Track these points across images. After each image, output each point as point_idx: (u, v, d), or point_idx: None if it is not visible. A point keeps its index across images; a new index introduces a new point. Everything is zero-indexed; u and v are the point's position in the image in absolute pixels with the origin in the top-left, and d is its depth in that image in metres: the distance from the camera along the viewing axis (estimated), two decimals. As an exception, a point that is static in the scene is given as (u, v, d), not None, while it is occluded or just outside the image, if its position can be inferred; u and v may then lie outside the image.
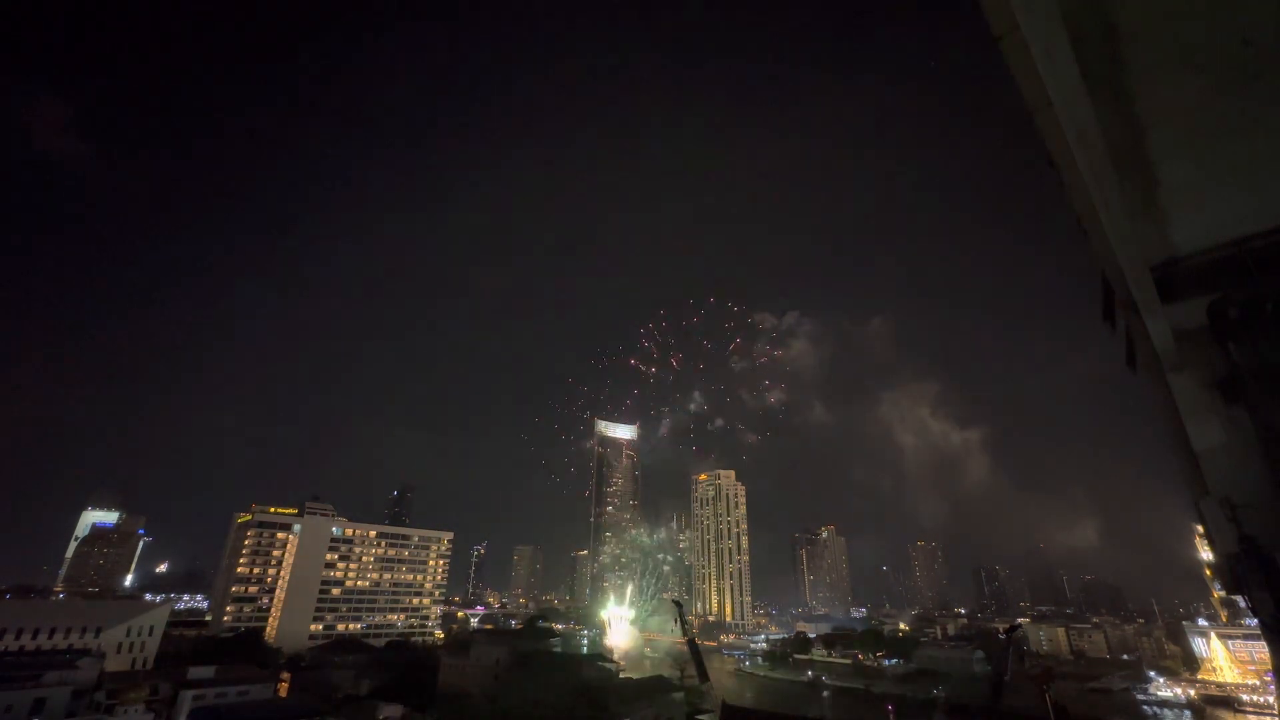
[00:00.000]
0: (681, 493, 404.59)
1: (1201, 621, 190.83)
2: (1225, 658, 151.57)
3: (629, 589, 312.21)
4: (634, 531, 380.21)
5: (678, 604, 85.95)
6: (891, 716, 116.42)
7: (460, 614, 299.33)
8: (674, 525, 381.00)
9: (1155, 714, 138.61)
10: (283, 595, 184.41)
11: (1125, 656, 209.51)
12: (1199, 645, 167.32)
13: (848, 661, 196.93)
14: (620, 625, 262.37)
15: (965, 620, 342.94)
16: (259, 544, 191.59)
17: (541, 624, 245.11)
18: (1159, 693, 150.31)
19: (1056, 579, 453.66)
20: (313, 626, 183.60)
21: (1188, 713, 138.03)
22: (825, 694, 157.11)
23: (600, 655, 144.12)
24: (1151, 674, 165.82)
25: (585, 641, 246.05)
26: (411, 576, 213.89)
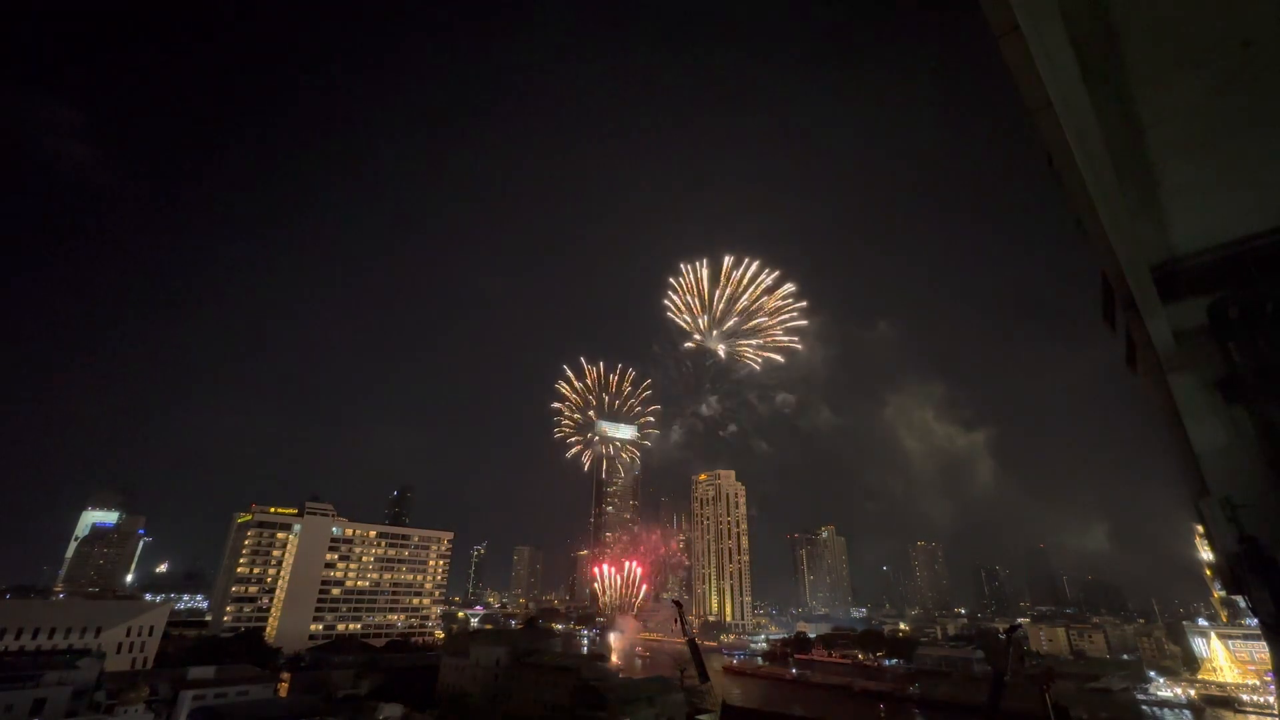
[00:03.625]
0: (682, 492, 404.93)
1: (1201, 621, 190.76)
2: (1225, 658, 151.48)
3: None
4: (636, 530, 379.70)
5: (678, 604, 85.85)
6: (883, 713, 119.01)
7: (460, 614, 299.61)
8: (674, 526, 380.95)
9: (1155, 714, 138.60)
10: (283, 595, 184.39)
11: (1125, 656, 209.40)
12: (1199, 645, 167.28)
13: (848, 662, 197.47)
14: (620, 626, 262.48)
15: (965, 620, 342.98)
16: (259, 544, 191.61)
17: (541, 624, 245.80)
18: (1159, 693, 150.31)
19: (1057, 579, 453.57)
20: (313, 626, 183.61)
21: (1188, 713, 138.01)
22: (808, 691, 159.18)
23: (600, 655, 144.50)
24: (1151, 674, 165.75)
25: (585, 641, 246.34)
26: (411, 576, 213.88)
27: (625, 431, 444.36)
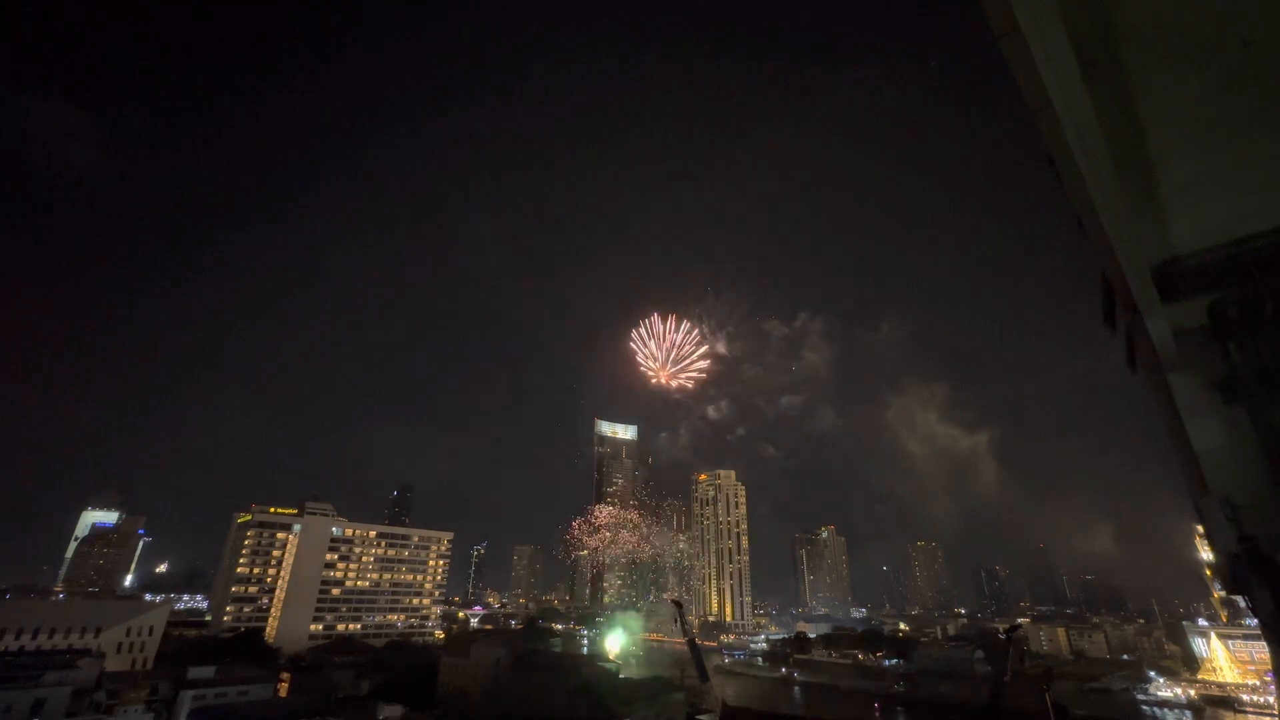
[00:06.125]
0: (683, 492, 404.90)
1: (1201, 621, 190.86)
2: (1225, 658, 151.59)
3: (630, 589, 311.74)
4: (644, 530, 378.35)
5: (678, 604, 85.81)
6: (878, 713, 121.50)
7: (460, 614, 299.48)
8: (675, 526, 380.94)
9: (1155, 714, 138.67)
10: (283, 595, 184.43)
11: (1125, 656, 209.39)
12: (1199, 645, 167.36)
13: (848, 662, 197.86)
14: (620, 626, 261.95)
15: (965, 620, 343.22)
16: (259, 544, 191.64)
17: (541, 624, 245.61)
18: (1159, 693, 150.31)
19: (1057, 579, 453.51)
20: (313, 626, 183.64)
21: (1188, 713, 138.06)
22: (795, 689, 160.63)
23: (600, 655, 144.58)
24: (1151, 674, 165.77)
25: (585, 641, 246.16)
26: (411, 576, 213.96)
27: (624, 431, 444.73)
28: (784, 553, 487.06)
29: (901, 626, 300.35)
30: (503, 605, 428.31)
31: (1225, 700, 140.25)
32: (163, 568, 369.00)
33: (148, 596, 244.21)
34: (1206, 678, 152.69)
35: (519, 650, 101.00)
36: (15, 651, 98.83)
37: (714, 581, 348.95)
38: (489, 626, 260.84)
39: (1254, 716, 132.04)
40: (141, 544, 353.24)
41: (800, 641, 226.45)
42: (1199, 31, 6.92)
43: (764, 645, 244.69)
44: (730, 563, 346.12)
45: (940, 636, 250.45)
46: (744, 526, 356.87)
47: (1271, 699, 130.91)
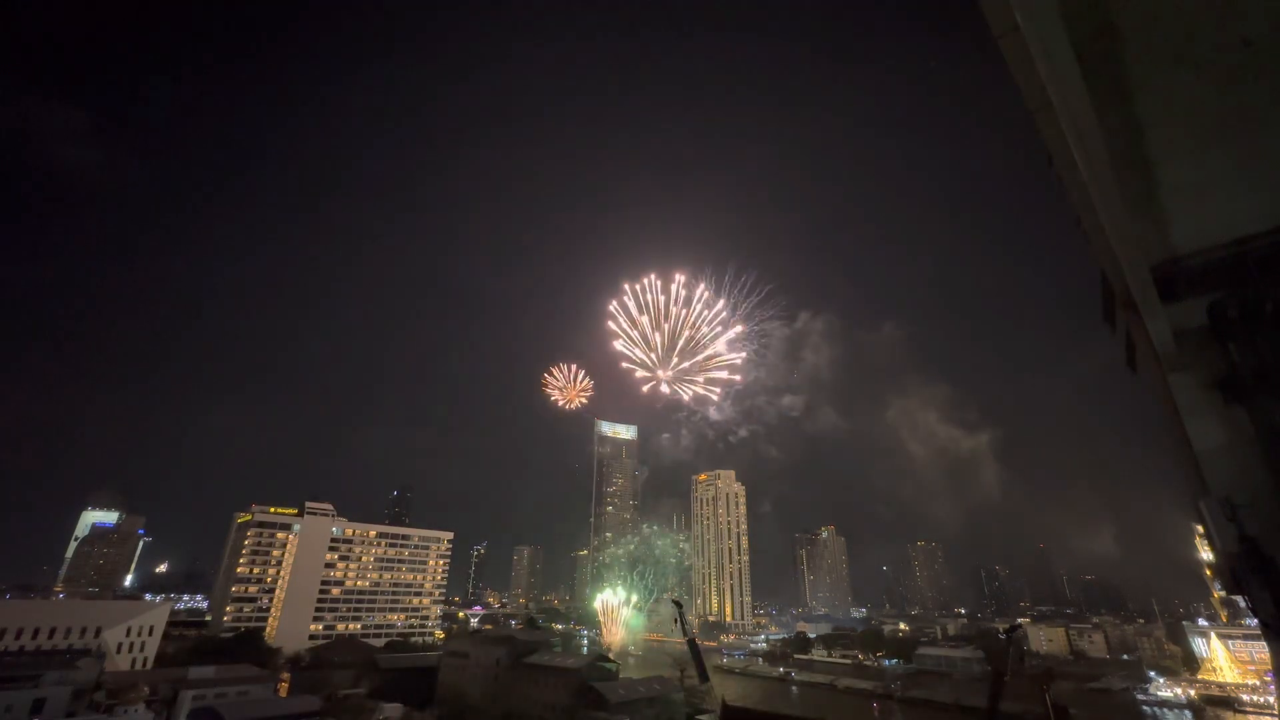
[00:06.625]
0: (682, 492, 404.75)
1: (1201, 621, 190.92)
2: (1225, 658, 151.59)
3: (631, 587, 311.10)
4: (645, 529, 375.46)
5: (678, 604, 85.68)
6: (877, 712, 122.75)
7: (460, 614, 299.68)
8: (674, 526, 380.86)
9: (1155, 714, 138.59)
10: (283, 595, 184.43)
11: (1125, 656, 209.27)
12: (1199, 645, 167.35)
13: (848, 662, 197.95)
14: (618, 625, 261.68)
15: (965, 620, 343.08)
16: (259, 544, 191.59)
17: (541, 624, 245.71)
18: (1159, 693, 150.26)
19: (1057, 579, 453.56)
20: (313, 626, 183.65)
21: (1188, 713, 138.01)
22: (794, 689, 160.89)
23: (600, 655, 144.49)
24: (1151, 674, 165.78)
25: (585, 641, 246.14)
26: (411, 576, 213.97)
27: (624, 432, 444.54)
28: (784, 553, 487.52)
29: (902, 627, 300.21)
30: (503, 605, 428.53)
31: (1225, 700, 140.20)
32: (163, 568, 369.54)
33: (148, 596, 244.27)
34: (1206, 678, 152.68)
35: (519, 650, 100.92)
36: (15, 651, 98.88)
37: (714, 581, 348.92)
38: (489, 626, 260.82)
39: (1254, 716, 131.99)
40: (141, 544, 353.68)
41: (800, 641, 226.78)
42: (1199, 31, 6.91)
43: (764, 645, 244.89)
44: (730, 563, 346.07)
45: (940, 637, 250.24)
46: (744, 526, 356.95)
47: (1271, 699, 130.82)
